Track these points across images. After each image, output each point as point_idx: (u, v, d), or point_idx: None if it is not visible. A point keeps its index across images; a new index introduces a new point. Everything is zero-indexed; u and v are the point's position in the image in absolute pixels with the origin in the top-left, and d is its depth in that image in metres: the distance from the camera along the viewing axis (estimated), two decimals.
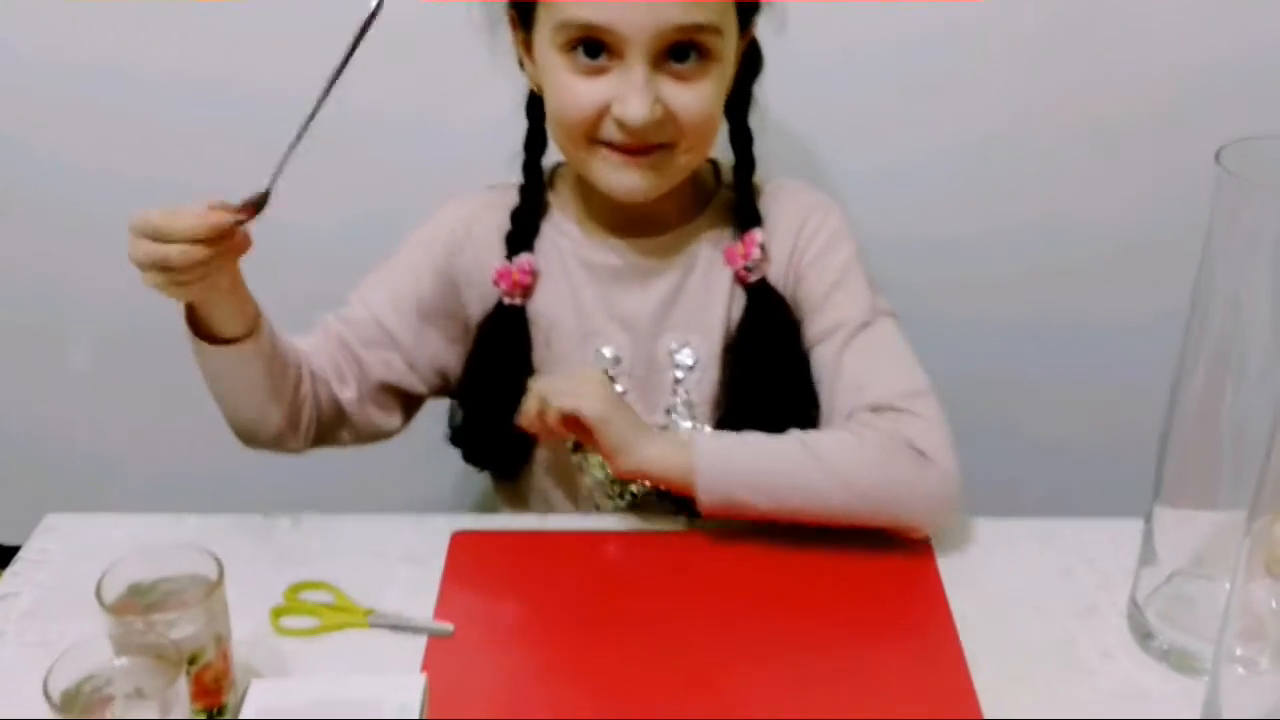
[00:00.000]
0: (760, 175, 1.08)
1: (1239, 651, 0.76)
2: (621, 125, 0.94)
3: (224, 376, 0.97)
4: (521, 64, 1.03)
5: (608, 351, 1.07)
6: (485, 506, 1.25)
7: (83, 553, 0.95)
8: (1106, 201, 1.37)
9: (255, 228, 0.88)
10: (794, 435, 0.97)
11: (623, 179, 0.98)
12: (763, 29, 1.02)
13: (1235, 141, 0.73)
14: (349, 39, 0.81)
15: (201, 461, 1.51)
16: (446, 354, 1.09)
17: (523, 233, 1.07)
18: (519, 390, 1.03)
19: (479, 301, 1.08)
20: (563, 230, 1.07)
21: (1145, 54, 1.29)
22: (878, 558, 0.97)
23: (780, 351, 1.05)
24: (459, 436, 1.11)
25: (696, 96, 0.95)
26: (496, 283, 1.06)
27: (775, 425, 0.99)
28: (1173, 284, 0.84)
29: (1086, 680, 0.86)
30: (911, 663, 0.87)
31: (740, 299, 1.06)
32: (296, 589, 0.92)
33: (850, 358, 1.02)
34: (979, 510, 1.00)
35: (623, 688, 0.85)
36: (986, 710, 0.82)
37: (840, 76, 1.28)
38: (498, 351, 1.07)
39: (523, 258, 1.06)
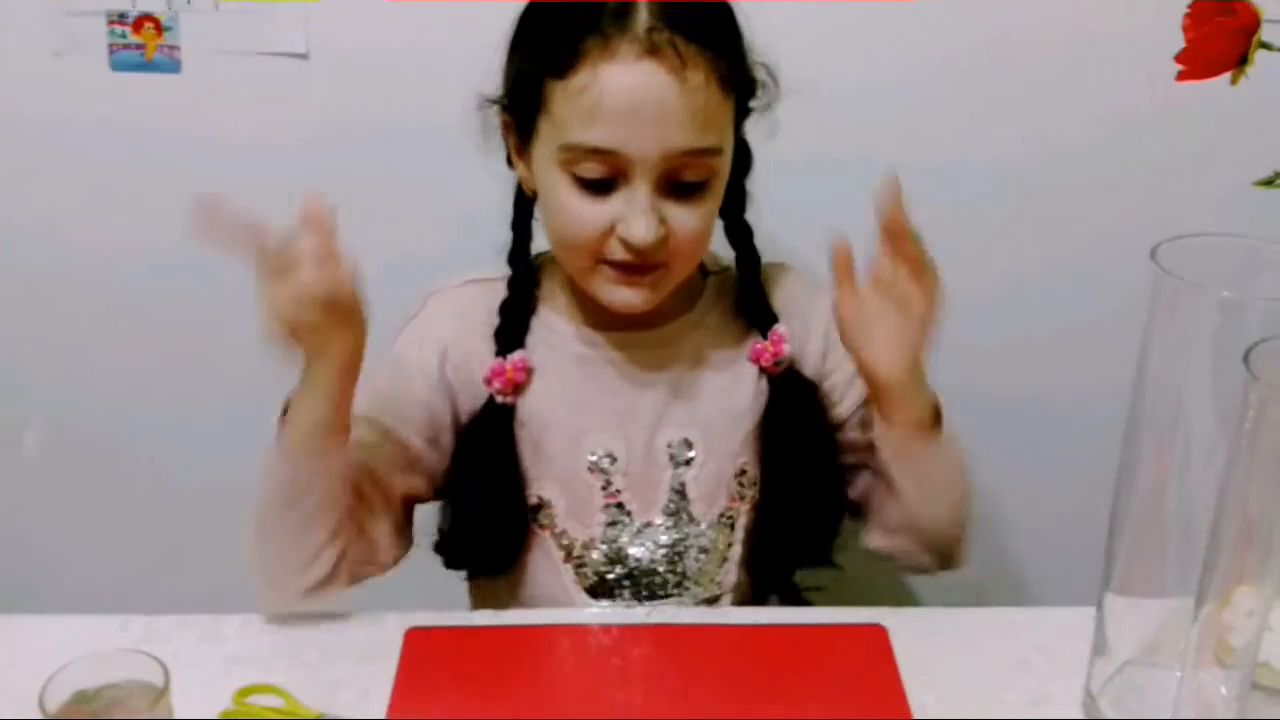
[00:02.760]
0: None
1: None
2: (626, 245, 0.95)
3: (298, 485, 0.95)
4: (510, 161, 1.04)
5: (602, 449, 1.05)
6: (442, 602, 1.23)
7: (26, 655, 0.92)
8: (1054, 280, 1.39)
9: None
10: None
11: (621, 294, 0.99)
12: (753, 133, 1.04)
13: (1170, 240, 0.75)
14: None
15: (148, 558, 1.49)
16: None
17: (514, 329, 1.05)
18: (507, 493, 1.03)
19: (470, 401, 1.05)
20: (552, 326, 1.06)
21: (1092, 117, 1.32)
22: (834, 647, 0.97)
23: (815, 433, 1.08)
24: (444, 543, 1.08)
25: (697, 217, 0.97)
26: (489, 381, 1.03)
27: (814, 507, 1.07)
28: (1122, 365, 0.85)
29: None
30: None
31: (752, 386, 1.07)
32: (245, 693, 0.91)
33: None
34: (934, 600, 1.00)
35: None
36: None
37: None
38: (486, 453, 1.04)
39: (516, 355, 1.04)
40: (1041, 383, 1.45)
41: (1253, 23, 0.84)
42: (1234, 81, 0.87)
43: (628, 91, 0.91)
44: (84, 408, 1.47)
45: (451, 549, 1.08)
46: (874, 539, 1.09)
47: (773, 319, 1.07)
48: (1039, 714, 0.90)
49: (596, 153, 0.93)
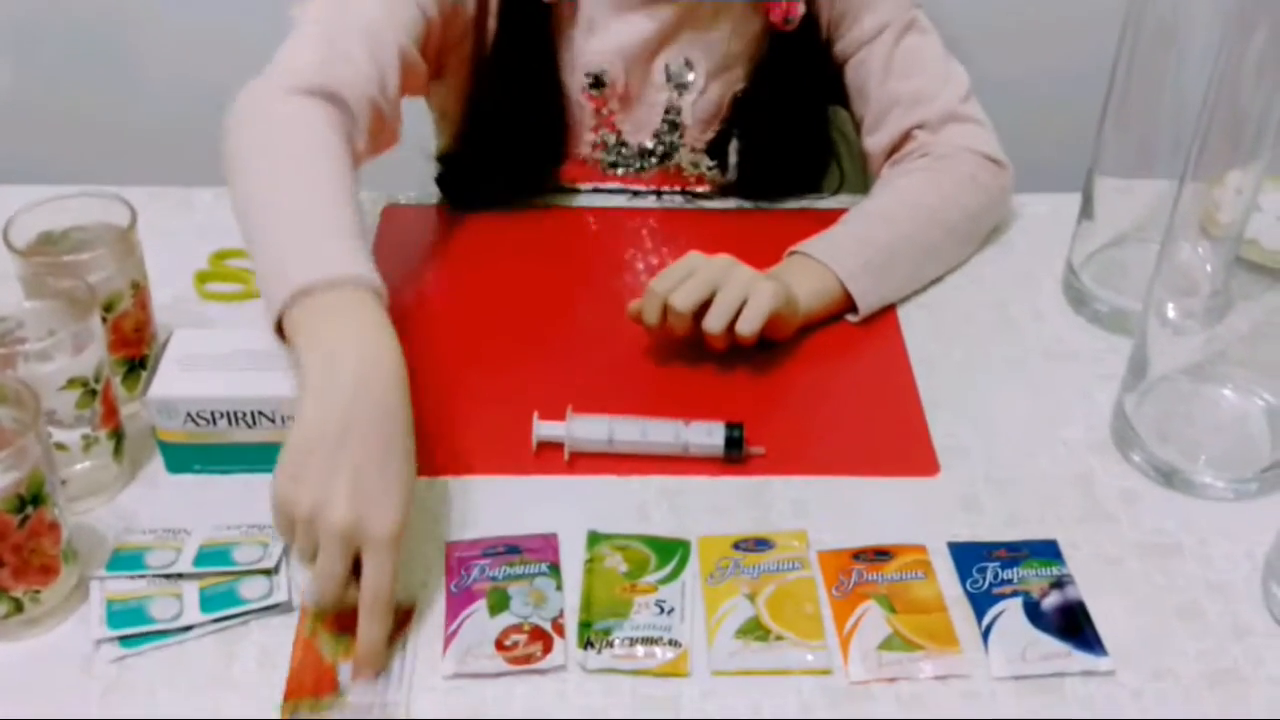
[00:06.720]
0: None
1: (1171, 309, 0.77)
2: None
3: None
4: None
5: (598, 70, 0.98)
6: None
7: None
8: None
9: None
10: (905, 206, 0.92)
11: None
12: None
13: None
14: None
15: (123, 132, 1.45)
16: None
17: None
18: (537, 97, 0.96)
19: None
20: None
21: None
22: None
23: (804, 99, 1.00)
24: (456, 162, 1.00)
25: None
26: None
27: (788, 167, 1.00)
28: None
29: (1017, 339, 0.87)
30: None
31: (756, 25, 0.97)
32: (221, 256, 0.90)
33: (900, 64, 0.97)
34: None
35: (569, 355, 0.84)
36: (919, 373, 0.83)
37: None
38: (523, 48, 0.95)
39: None
40: None
41: None
42: None
43: None
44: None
45: (464, 170, 1.00)
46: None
47: None
48: (1017, 290, 0.91)
49: None
